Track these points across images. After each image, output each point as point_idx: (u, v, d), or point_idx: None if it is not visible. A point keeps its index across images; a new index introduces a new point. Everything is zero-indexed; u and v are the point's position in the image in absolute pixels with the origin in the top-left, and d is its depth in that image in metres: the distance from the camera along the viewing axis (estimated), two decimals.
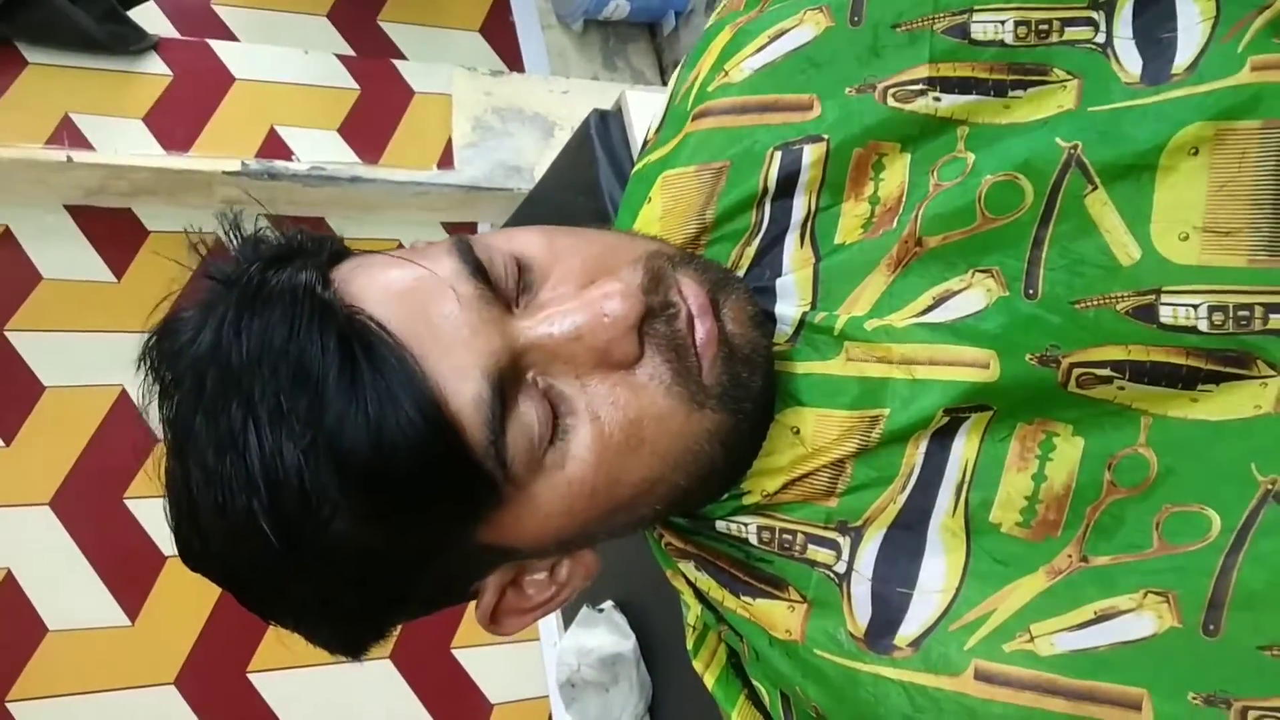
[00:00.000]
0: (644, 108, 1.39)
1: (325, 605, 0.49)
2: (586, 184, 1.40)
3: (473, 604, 0.56)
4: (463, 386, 0.45)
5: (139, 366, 0.48)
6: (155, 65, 2.10)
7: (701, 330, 0.49)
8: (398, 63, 2.32)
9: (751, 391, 0.50)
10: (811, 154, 0.55)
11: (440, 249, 0.49)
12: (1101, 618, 0.46)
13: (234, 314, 0.45)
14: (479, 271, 0.47)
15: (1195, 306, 0.46)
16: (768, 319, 0.55)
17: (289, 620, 0.51)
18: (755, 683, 0.59)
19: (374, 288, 0.47)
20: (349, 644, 0.53)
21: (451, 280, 0.47)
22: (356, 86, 2.25)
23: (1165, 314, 0.46)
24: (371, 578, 0.48)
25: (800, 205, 0.56)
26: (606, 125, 1.43)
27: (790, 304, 0.55)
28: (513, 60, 2.55)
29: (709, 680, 0.63)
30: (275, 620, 0.51)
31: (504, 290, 0.48)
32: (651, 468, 0.49)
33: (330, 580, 0.47)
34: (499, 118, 2.21)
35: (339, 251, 0.51)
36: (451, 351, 0.45)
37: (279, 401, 0.43)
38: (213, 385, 0.44)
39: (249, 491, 0.43)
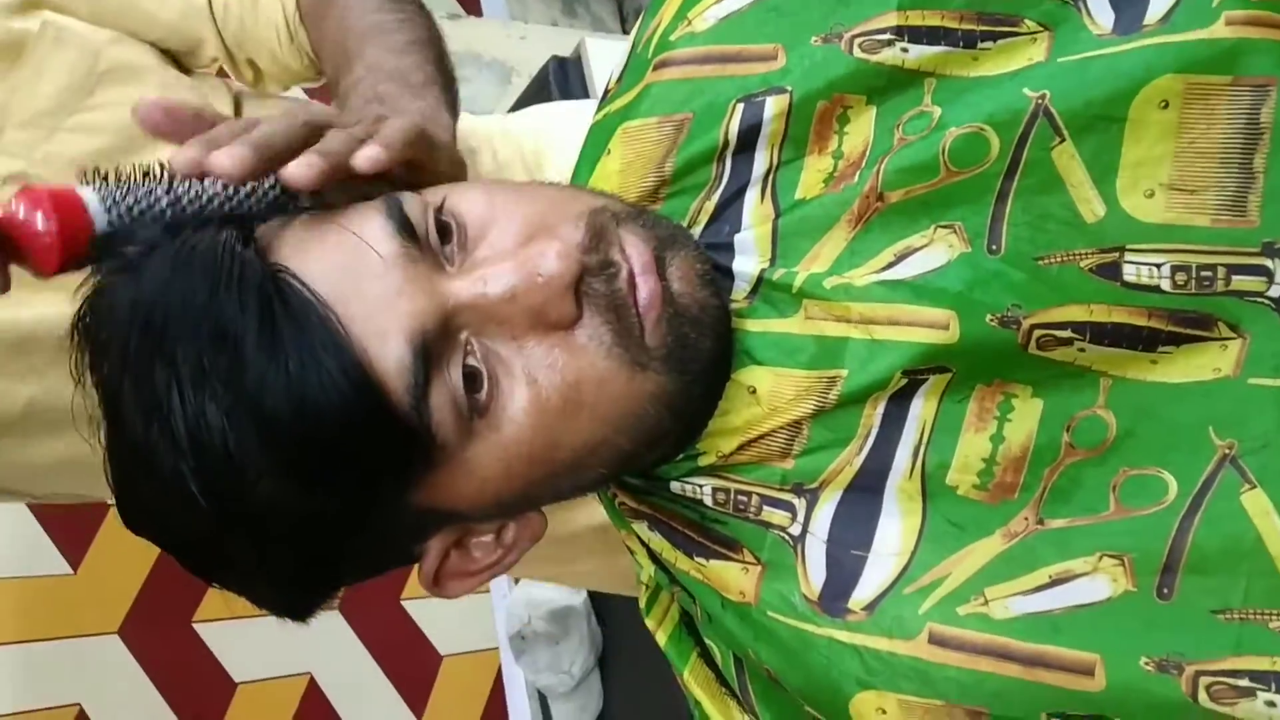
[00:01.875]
0: (604, 56, 1.37)
1: (261, 567, 0.49)
2: None
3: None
4: (385, 349, 0.44)
5: (71, 336, 0.47)
6: None
7: (644, 290, 0.47)
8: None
9: (700, 353, 0.49)
10: (774, 106, 0.54)
11: (371, 207, 0.48)
12: (1056, 581, 0.46)
13: (157, 276, 0.44)
14: (405, 229, 0.46)
15: (1158, 266, 0.46)
16: (725, 275, 0.54)
17: (229, 582, 0.51)
18: (708, 642, 0.59)
19: (300, 247, 0.46)
20: (291, 605, 0.53)
21: (377, 239, 0.46)
22: None
23: (1129, 272, 0.46)
24: (304, 539, 0.47)
25: (762, 159, 0.55)
26: (565, 73, 1.41)
27: (749, 260, 0.54)
28: (470, 3, 2.50)
29: (661, 639, 0.63)
30: (216, 581, 0.51)
31: (434, 249, 0.47)
32: (592, 431, 0.48)
33: (263, 542, 0.47)
34: (456, 62, 2.16)
35: (274, 204, 0.50)
36: (375, 313, 0.44)
37: (200, 362, 0.42)
38: (137, 348, 0.44)
39: (175, 455, 0.43)
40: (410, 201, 0.48)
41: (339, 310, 0.44)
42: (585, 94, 1.37)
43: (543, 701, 1.76)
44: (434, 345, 0.45)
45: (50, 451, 0.74)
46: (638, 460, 0.53)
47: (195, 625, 1.75)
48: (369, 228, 0.46)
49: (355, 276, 0.45)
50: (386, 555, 0.54)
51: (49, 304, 0.66)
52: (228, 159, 0.47)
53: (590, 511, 0.79)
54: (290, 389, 0.42)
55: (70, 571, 1.73)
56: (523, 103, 1.51)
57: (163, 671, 1.73)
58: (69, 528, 1.73)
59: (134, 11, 0.78)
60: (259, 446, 0.42)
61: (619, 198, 0.55)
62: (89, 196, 0.46)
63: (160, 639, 1.73)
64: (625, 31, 2.48)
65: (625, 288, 0.47)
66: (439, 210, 0.48)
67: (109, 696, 1.68)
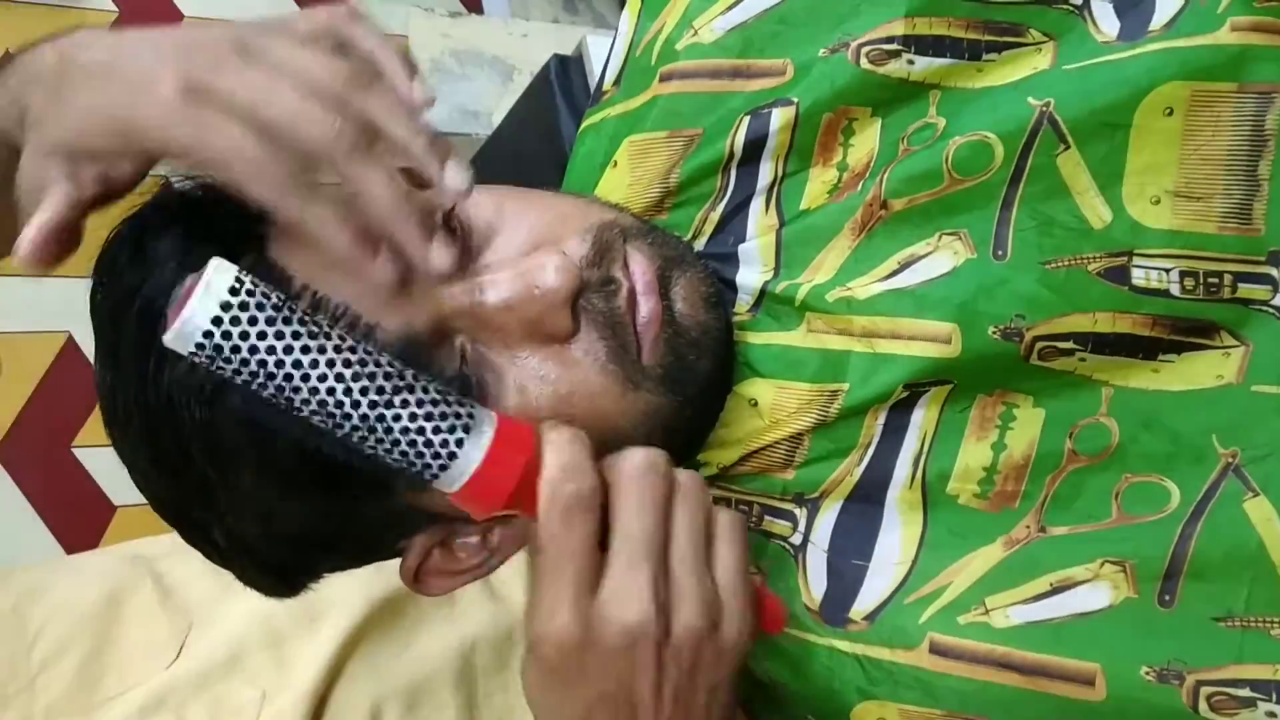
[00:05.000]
0: (605, 53, 1.37)
1: (238, 549, 0.50)
2: (546, 131, 1.38)
3: None
4: None
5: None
6: (101, 0, 2.03)
7: (645, 309, 0.47)
8: (354, 2, 2.26)
9: (697, 375, 0.49)
10: (780, 119, 0.53)
11: None
12: (1057, 589, 0.46)
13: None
14: None
15: (1167, 271, 0.46)
16: (727, 288, 0.54)
17: (212, 555, 0.52)
18: None
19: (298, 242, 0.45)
20: (271, 587, 0.53)
21: None
22: None
23: (1138, 276, 0.46)
24: (286, 527, 0.48)
25: (767, 171, 0.55)
26: (567, 71, 1.40)
27: (753, 271, 0.54)
28: (471, 1, 2.50)
29: None
30: (206, 544, 0.52)
31: None
32: None
33: (239, 526, 0.48)
34: (457, 60, 2.17)
35: None
36: (368, 313, 0.43)
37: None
38: (136, 347, 0.44)
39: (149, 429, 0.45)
40: None
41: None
42: (587, 92, 1.37)
43: None
44: (424, 350, 0.45)
45: None
46: None
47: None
48: None
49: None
50: (370, 548, 0.54)
51: None
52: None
53: None
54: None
55: None
56: (524, 101, 1.51)
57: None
58: None
59: None
60: (245, 446, 0.43)
61: (629, 211, 0.55)
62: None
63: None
64: None
65: (624, 305, 0.47)
66: (448, 214, 0.48)
67: None
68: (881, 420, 0.50)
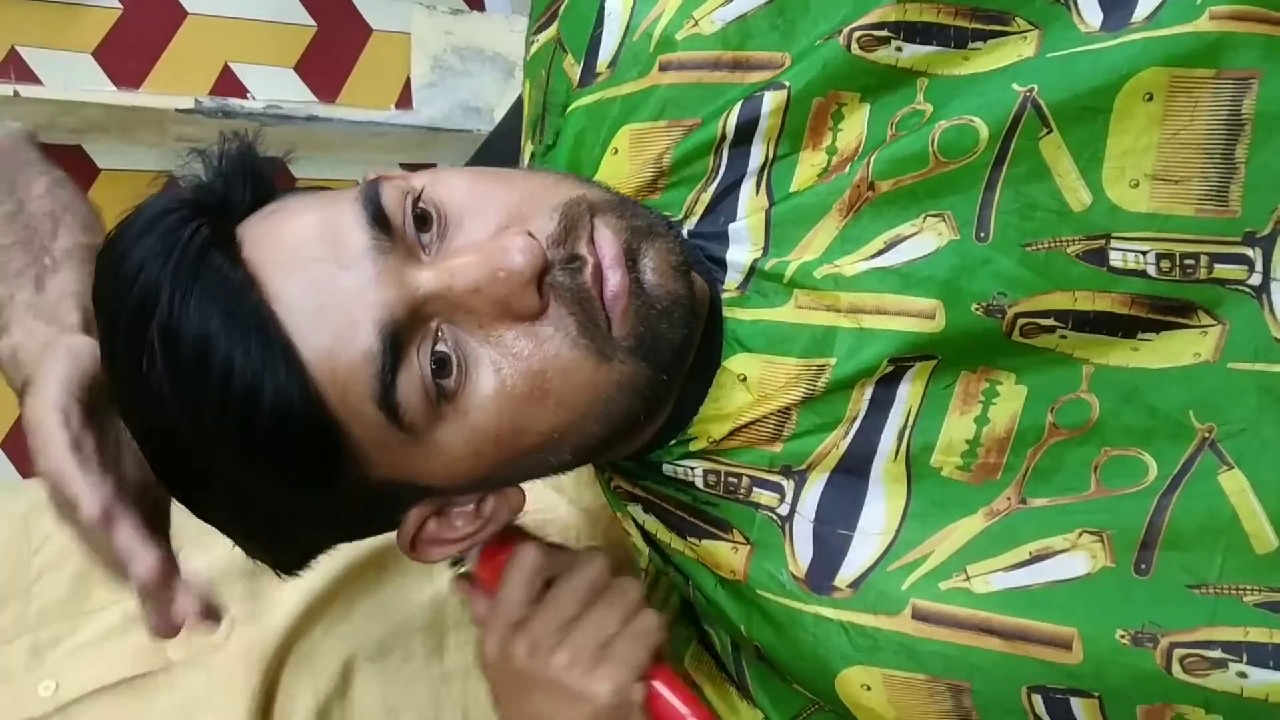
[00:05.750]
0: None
1: (232, 522, 0.52)
2: None
3: None
4: (355, 338, 0.45)
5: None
6: None
7: (612, 283, 0.48)
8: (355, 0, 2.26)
9: (670, 343, 0.50)
10: (771, 102, 0.54)
11: (348, 195, 0.49)
12: (1036, 558, 0.47)
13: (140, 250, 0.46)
14: (379, 221, 0.47)
15: (1144, 253, 0.47)
16: (718, 266, 0.55)
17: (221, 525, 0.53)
18: (707, 628, 0.60)
19: (277, 240, 0.47)
20: (271, 560, 0.55)
21: (350, 229, 0.47)
22: (313, 23, 2.20)
23: (1115, 258, 0.47)
24: (264, 502, 0.49)
25: (758, 152, 0.55)
26: None
27: (742, 249, 0.55)
28: None
29: None
30: (212, 522, 0.53)
31: (409, 239, 0.48)
32: (559, 417, 0.49)
33: (229, 498, 0.50)
34: (459, 57, 2.17)
35: (265, 191, 0.52)
36: (347, 303, 0.46)
37: (147, 339, 0.45)
38: (123, 335, 0.47)
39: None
40: (388, 189, 0.48)
41: (312, 300, 0.46)
42: None
43: None
44: (404, 333, 0.46)
45: None
46: (612, 445, 0.54)
47: None
48: (343, 217, 0.47)
49: (326, 266, 0.46)
50: (361, 523, 0.55)
51: None
52: None
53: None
54: (241, 400, 0.44)
55: None
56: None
57: None
58: None
59: None
60: (198, 424, 0.45)
61: (603, 185, 0.56)
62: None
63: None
64: None
65: (590, 281, 0.48)
66: (417, 199, 0.49)
67: None
68: (868, 394, 0.51)
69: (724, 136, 0.56)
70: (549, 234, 0.48)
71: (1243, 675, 0.43)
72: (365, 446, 0.47)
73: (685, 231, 0.57)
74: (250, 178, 0.51)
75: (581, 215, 0.49)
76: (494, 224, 0.49)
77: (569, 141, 0.62)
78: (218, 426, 0.45)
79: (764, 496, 0.53)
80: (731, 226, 0.55)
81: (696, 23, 0.58)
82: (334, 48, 2.19)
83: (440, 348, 0.47)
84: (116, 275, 0.46)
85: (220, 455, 0.46)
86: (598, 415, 0.50)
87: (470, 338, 0.48)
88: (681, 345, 0.50)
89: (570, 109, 0.62)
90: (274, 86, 2.11)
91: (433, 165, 2.23)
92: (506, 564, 0.57)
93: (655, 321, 0.49)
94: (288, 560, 0.55)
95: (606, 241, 0.49)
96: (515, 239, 0.47)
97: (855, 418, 0.51)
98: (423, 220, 0.49)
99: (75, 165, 2.01)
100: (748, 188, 0.56)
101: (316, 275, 0.46)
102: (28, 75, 1.92)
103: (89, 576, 0.69)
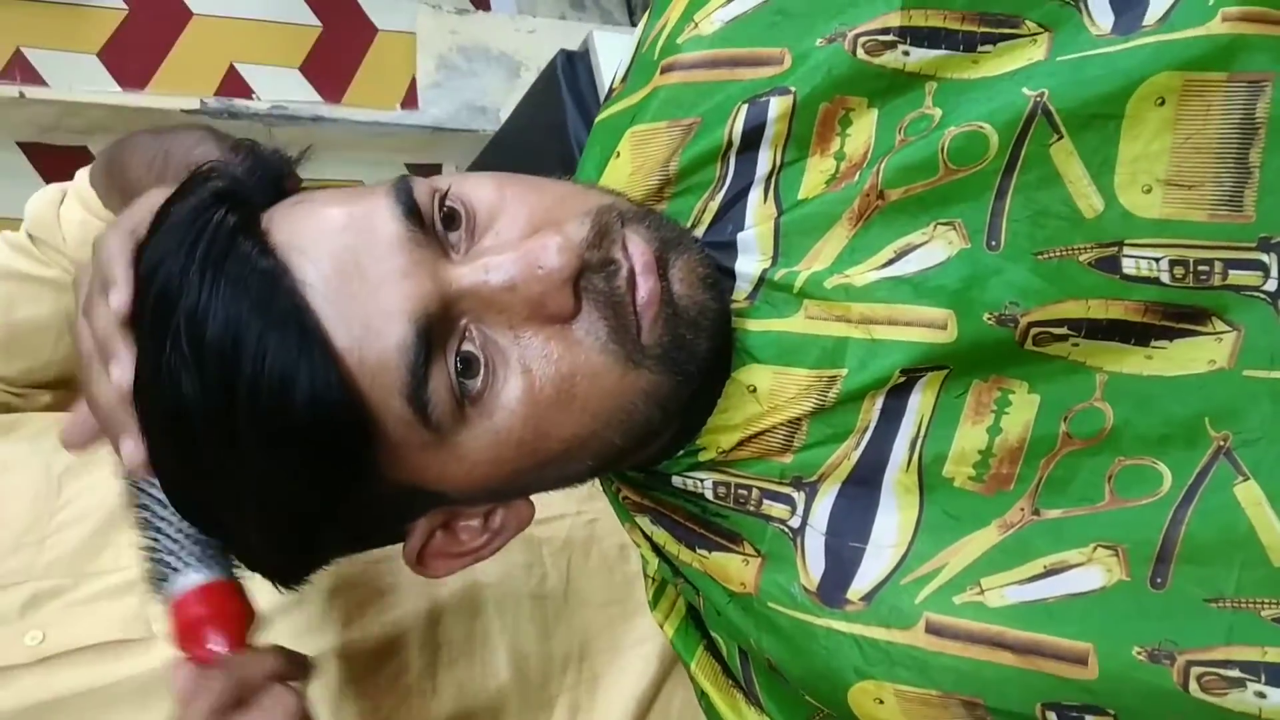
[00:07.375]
0: (611, 49, 1.37)
1: (241, 528, 0.51)
2: (552, 126, 1.38)
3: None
4: (388, 329, 0.45)
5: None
6: None
7: (644, 289, 0.48)
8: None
9: (695, 354, 0.50)
10: (778, 107, 0.54)
11: (380, 189, 0.48)
12: (1051, 571, 0.47)
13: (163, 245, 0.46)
14: (413, 214, 0.47)
15: (1157, 260, 0.46)
16: (726, 276, 0.55)
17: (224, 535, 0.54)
18: (714, 635, 0.60)
19: (307, 229, 0.46)
20: (276, 570, 0.54)
21: (383, 220, 0.46)
22: (318, 23, 2.20)
23: (1128, 265, 0.46)
24: (278, 504, 0.48)
25: (765, 159, 0.55)
26: (573, 66, 1.40)
27: (751, 259, 0.54)
28: None
29: (669, 631, 0.63)
30: (216, 526, 0.53)
31: (439, 235, 0.48)
32: (582, 424, 0.49)
33: (238, 502, 0.48)
34: (464, 57, 2.17)
35: (283, 188, 0.51)
36: (379, 292, 0.45)
37: (170, 325, 0.44)
38: (151, 320, 0.46)
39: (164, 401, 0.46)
40: (419, 186, 0.48)
41: (343, 289, 0.44)
42: (593, 87, 1.37)
43: None
44: (437, 329, 0.46)
45: None
46: (627, 457, 0.54)
47: None
48: (376, 209, 0.47)
49: (359, 255, 0.45)
50: (371, 531, 0.54)
51: None
52: None
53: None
54: (273, 389, 0.43)
55: None
56: (531, 97, 1.51)
57: None
58: None
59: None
60: (222, 414, 0.44)
61: (627, 197, 0.55)
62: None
63: None
64: (633, 24, 2.48)
65: (624, 286, 0.48)
66: (444, 196, 0.48)
67: None
68: (879, 405, 0.51)
69: (730, 143, 0.55)
70: (582, 238, 0.48)
71: (1261, 695, 0.42)
72: (388, 445, 0.47)
73: None
74: (271, 172, 0.51)
75: (613, 222, 0.49)
76: (526, 226, 0.49)
77: (586, 161, 0.62)
78: (248, 416, 0.44)
79: (775, 509, 0.53)
80: (740, 236, 0.55)
81: (697, 25, 0.58)
82: (339, 48, 2.19)
83: (468, 347, 0.47)
84: (141, 264, 0.46)
85: (246, 446, 0.45)
86: (619, 424, 0.49)
87: (499, 339, 0.48)
88: (706, 357, 0.50)
89: (595, 124, 0.63)
90: (279, 87, 2.11)
91: (438, 165, 2.23)
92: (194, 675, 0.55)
93: (683, 331, 0.49)
94: (291, 570, 0.54)
95: (639, 249, 0.48)
96: (553, 238, 0.46)
97: (866, 428, 0.51)
98: (450, 219, 0.48)
99: (81, 166, 2.01)
100: (755, 195, 0.56)
101: (348, 264, 0.45)
102: (33, 76, 1.92)
103: (98, 538, 0.70)
